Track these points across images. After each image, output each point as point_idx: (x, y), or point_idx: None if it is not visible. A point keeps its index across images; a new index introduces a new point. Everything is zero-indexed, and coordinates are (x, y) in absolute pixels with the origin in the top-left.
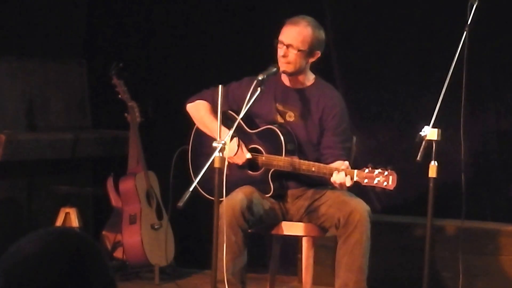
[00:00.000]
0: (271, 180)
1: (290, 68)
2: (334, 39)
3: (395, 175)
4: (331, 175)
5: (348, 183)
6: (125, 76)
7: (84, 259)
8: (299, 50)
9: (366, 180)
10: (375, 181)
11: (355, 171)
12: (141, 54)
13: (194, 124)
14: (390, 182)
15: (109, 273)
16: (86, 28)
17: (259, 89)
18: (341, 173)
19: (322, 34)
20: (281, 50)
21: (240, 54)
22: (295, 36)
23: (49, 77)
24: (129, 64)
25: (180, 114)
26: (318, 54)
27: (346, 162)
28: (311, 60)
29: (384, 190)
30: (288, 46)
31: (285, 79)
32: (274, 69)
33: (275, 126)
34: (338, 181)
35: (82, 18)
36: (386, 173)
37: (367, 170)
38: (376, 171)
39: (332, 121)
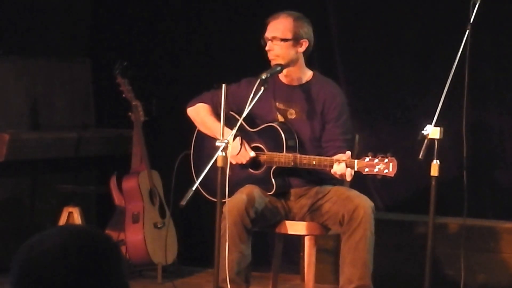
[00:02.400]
0: (273, 177)
1: (279, 60)
2: (337, 38)
3: (395, 161)
4: (332, 167)
5: (349, 173)
6: (129, 75)
7: (104, 260)
8: (282, 40)
9: (367, 169)
10: (376, 169)
11: (356, 161)
12: (146, 53)
13: (196, 128)
14: (390, 169)
15: (125, 279)
16: (90, 27)
17: (262, 88)
18: (341, 164)
19: (306, 24)
20: (267, 46)
21: (245, 54)
22: (276, 28)
23: (53, 76)
24: (133, 63)
25: (183, 114)
26: (306, 42)
27: (348, 152)
28: (300, 49)
29: (385, 177)
30: (272, 39)
31: (283, 77)
32: (278, 68)
33: (275, 124)
34: (338, 172)
35: (86, 17)
36: (386, 160)
37: (367, 159)
38: (376, 159)
39: (333, 113)
